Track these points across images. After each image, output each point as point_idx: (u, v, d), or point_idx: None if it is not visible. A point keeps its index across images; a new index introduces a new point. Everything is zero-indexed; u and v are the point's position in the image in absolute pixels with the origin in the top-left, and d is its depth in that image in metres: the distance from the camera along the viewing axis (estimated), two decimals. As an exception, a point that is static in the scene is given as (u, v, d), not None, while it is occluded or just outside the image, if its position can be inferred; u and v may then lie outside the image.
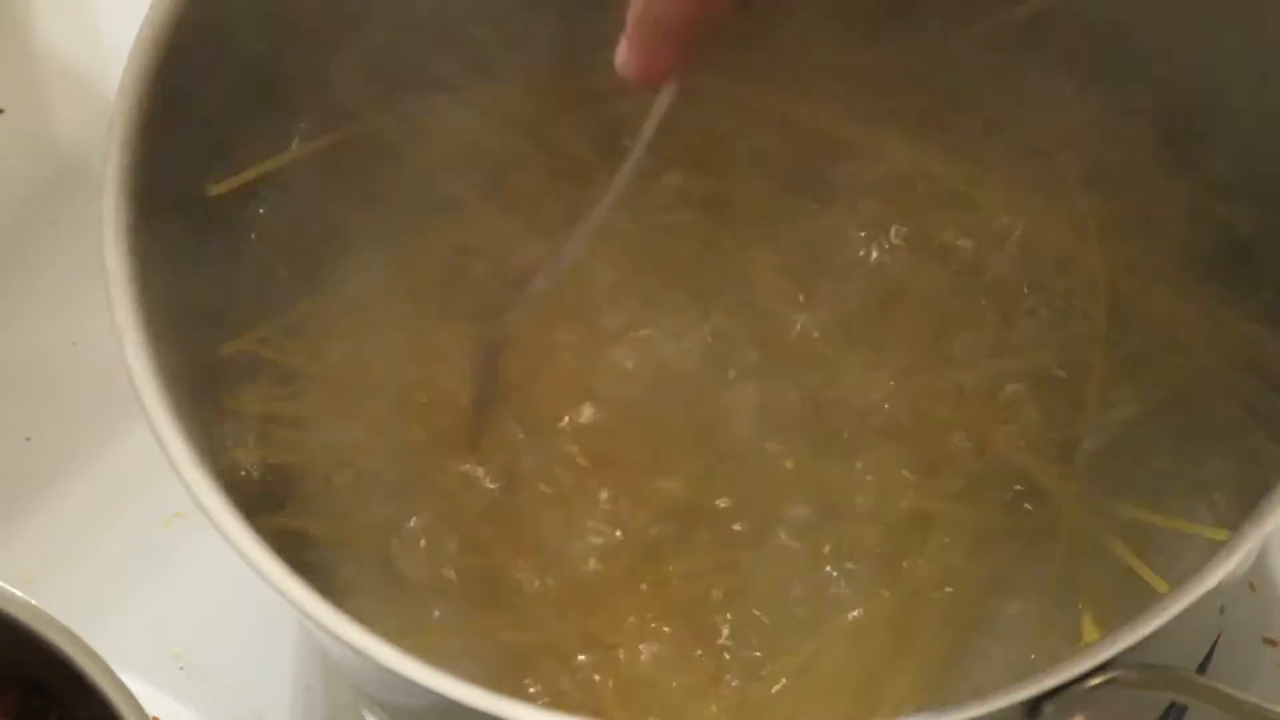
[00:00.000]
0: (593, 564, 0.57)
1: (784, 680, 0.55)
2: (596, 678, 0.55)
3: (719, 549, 0.57)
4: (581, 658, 0.55)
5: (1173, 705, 0.59)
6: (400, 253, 0.61)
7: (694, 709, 0.55)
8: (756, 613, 0.56)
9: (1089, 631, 0.53)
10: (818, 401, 0.58)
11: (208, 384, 0.55)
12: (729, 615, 0.56)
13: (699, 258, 0.60)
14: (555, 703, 0.55)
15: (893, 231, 0.60)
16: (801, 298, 0.59)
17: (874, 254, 0.60)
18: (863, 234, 0.60)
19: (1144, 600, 0.45)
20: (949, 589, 0.55)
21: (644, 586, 0.56)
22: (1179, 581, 0.45)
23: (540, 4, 0.61)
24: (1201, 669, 0.61)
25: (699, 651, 0.56)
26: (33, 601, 0.54)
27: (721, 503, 0.57)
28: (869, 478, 0.57)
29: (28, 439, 0.71)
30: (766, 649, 0.55)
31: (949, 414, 0.57)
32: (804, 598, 0.56)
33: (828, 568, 0.56)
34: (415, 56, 0.61)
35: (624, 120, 0.59)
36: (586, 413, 0.58)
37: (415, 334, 0.60)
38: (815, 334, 0.59)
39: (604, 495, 0.57)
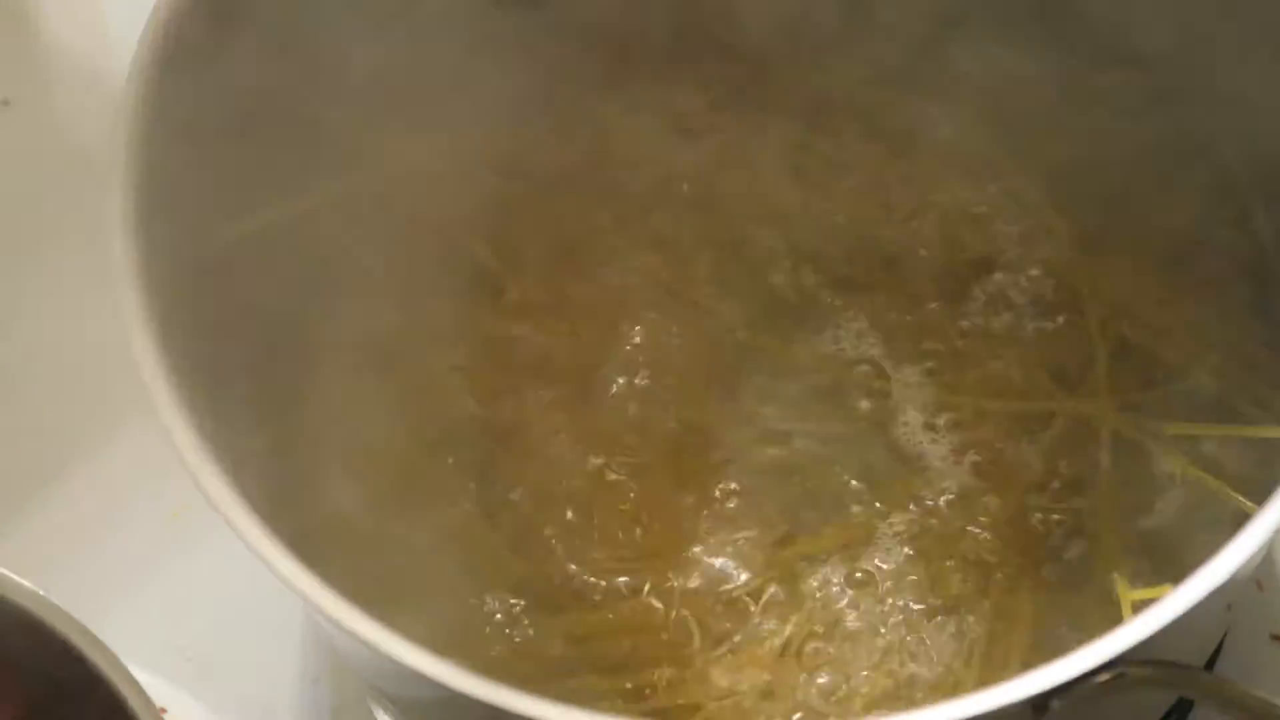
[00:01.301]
0: None
1: None
2: None
3: None
4: None
5: (1178, 702, 0.59)
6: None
7: None
8: None
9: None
10: None
11: (214, 376, 0.55)
12: None
13: None
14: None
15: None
16: None
17: None
18: None
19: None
20: None
21: None
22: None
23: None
24: (1209, 666, 0.61)
25: None
26: (42, 593, 0.54)
27: None
28: None
29: (32, 436, 0.70)
30: None
31: None
32: None
33: None
34: None
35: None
36: None
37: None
38: None
39: None
